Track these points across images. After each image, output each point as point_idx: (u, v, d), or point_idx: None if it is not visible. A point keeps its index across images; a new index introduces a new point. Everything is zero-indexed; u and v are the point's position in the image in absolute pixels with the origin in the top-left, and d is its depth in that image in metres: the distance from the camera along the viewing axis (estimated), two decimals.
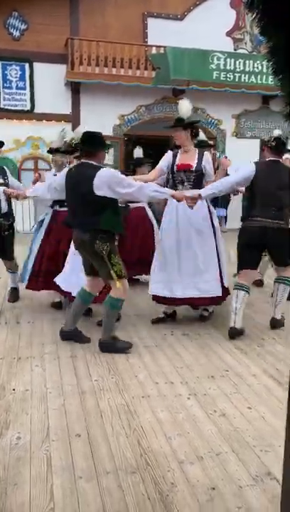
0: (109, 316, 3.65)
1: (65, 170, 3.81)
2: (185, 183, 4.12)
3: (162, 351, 3.68)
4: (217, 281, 4.13)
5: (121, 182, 3.47)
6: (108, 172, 3.48)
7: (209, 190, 3.93)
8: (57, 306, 4.74)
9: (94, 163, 3.57)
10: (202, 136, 4.96)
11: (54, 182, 3.81)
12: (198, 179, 4.12)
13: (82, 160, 3.63)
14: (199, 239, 4.10)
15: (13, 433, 2.50)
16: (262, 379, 3.23)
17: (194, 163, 4.11)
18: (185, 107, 4.07)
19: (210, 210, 4.20)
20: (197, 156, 4.16)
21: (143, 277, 5.48)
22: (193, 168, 4.09)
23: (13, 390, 2.99)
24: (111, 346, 3.62)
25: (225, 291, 4.22)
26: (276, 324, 4.24)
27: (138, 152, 5.86)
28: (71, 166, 3.97)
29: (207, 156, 4.22)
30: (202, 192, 3.89)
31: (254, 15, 1.16)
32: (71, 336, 3.81)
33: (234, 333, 3.93)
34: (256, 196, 4.00)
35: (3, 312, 4.62)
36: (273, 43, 1.22)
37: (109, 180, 3.42)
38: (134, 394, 2.97)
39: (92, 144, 3.61)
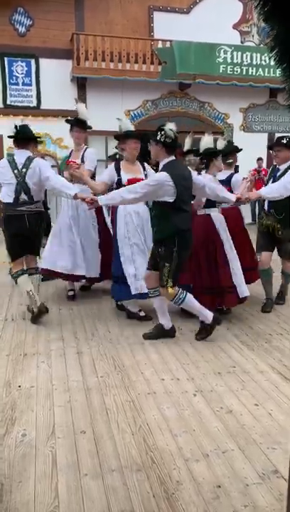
0: None
1: None
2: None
3: (168, 348, 3.66)
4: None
5: None
6: None
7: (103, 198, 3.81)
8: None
9: None
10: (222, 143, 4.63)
11: None
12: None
13: None
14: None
15: (18, 430, 2.50)
16: (270, 375, 3.20)
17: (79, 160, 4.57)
18: (80, 109, 4.74)
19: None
20: (81, 154, 4.65)
21: None
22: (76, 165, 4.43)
23: (19, 386, 2.99)
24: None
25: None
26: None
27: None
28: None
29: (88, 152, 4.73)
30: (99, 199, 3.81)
31: (258, 1, 1.12)
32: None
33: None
34: None
35: (10, 309, 4.62)
36: (277, 31, 1.18)
37: None
38: (140, 390, 2.95)
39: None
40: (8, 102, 10.82)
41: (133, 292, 4.10)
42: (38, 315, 4.14)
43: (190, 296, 3.71)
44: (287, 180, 4.19)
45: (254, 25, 12.08)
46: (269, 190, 4.26)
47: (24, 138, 4.22)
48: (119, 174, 4.15)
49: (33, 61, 10.82)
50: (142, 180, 4.01)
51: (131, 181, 4.03)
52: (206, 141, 4.38)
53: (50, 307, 4.66)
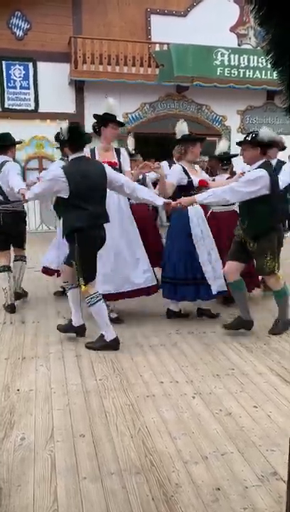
0: None
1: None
2: None
3: (167, 350, 3.65)
4: None
5: None
6: None
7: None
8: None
9: None
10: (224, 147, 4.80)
11: None
12: None
13: None
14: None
15: (17, 433, 2.49)
16: (269, 377, 3.20)
17: (116, 160, 4.26)
18: (112, 103, 4.43)
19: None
20: (114, 153, 4.31)
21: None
22: (117, 166, 4.18)
23: (18, 390, 2.98)
24: None
25: None
26: None
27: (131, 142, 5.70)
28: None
29: (124, 151, 4.39)
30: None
31: (253, 4, 1.12)
32: None
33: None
34: None
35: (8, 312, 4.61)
36: (272, 34, 1.19)
37: None
38: (139, 393, 2.94)
39: None
40: (5, 106, 10.84)
41: (214, 292, 4.18)
42: (10, 307, 4.61)
43: (102, 305, 3.59)
44: (242, 181, 3.66)
45: (251, 28, 12.12)
46: (206, 194, 3.80)
47: (2, 145, 4.63)
48: (189, 177, 4.15)
49: (30, 65, 10.84)
50: (207, 181, 4.24)
51: (202, 183, 4.14)
52: (223, 146, 4.74)
53: (49, 310, 4.67)
